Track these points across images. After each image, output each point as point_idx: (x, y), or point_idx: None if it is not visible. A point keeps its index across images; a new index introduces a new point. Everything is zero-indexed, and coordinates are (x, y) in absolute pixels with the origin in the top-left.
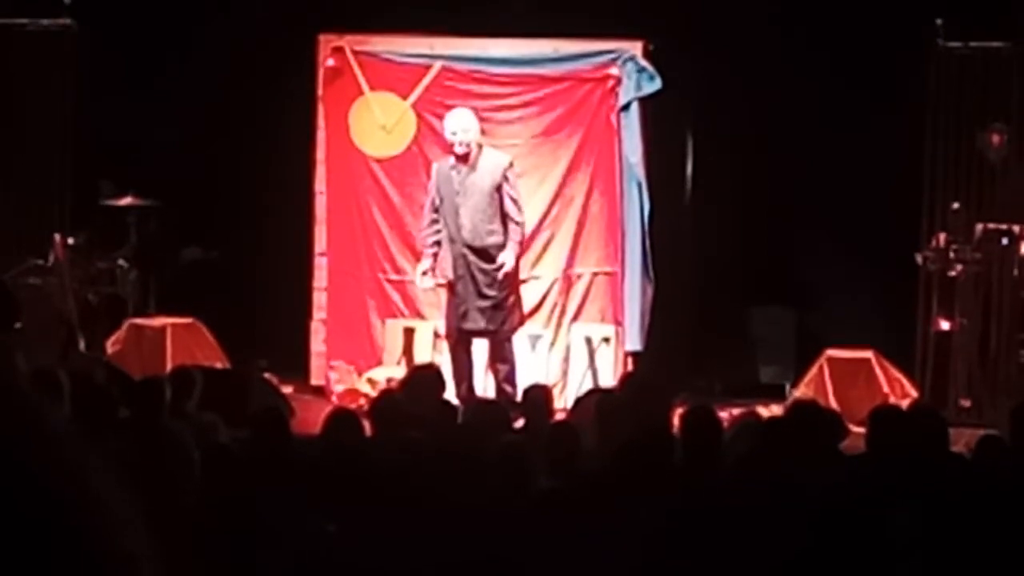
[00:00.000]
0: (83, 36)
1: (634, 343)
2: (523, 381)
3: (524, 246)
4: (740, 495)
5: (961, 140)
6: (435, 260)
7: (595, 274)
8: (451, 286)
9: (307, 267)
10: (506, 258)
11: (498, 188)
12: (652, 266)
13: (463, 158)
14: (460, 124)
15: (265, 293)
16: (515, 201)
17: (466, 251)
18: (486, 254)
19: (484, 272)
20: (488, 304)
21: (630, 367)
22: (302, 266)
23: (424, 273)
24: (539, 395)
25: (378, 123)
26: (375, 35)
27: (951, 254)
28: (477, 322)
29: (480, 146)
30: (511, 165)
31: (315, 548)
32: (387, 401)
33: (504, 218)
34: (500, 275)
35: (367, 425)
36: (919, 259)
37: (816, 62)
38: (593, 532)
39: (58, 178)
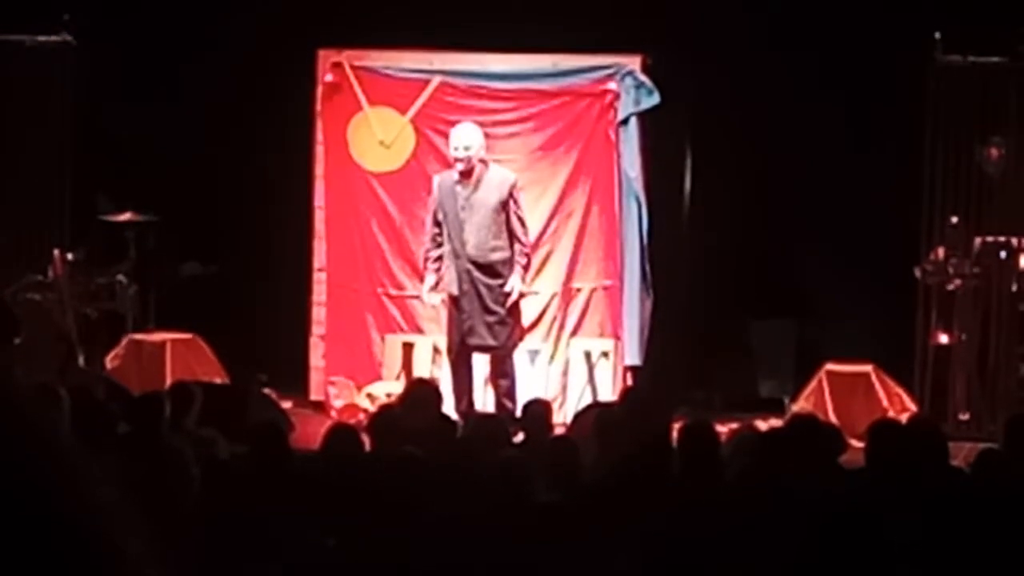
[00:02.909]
0: (81, 52)
1: (633, 357)
2: (522, 396)
3: (528, 266)
4: (739, 509)
5: (960, 154)
6: (438, 274)
7: (594, 288)
8: (454, 301)
9: (306, 282)
10: (514, 283)
11: (504, 205)
12: (651, 280)
13: (466, 174)
14: (465, 140)
15: (264, 308)
16: (521, 220)
17: (471, 267)
18: (491, 270)
19: (489, 288)
20: (494, 320)
21: (629, 381)
22: (301, 281)
23: (431, 289)
24: (539, 410)
25: (377, 138)
26: (374, 50)
27: (950, 268)
28: (484, 338)
29: (485, 162)
30: (517, 183)
31: (314, 562)
32: (386, 416)
33: (510, 235)
34: (506, 292)
35: (366, 440)
36: (918, 273)
37: (815, 76)
38: (592, 546)
39: (57, 194)
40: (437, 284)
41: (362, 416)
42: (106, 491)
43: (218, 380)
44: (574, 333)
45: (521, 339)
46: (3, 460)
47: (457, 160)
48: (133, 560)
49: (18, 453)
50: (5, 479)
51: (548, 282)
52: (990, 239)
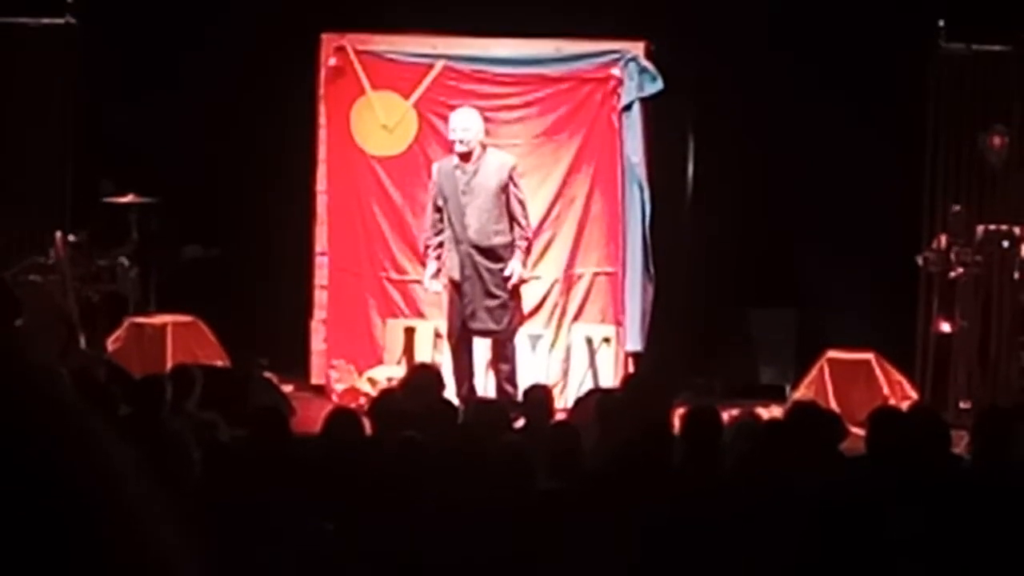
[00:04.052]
0: (85, 34)
1: (634, 343)
2: (523, 381)
3: (529, 249)
4: (739, 495)
5: (962, 142)
6: (440, 261)
7: (596, 274)
8: (456, 286)
9: (308, 266)
10: (515, 267)
11: (504, 188)
12: (653, 266)
13: (465, 157)
14: (461, 123)
15: (266, 292)
16: (521, 203)
17: (472, 251)
18: (493, 254)
19: (491, 272)
20: (496, 304)
21: (630, 367)
22: (303, 265)
23: (433, 276)
24: (540, 395)
25: (380, 122)
26: (377, 34)
27: (952, 256)
28: (485, 322)
29: (484, 146)
30: (517, 166)
31: (314, 546)
32: (387, 400)
33: (510, 219)
34: (507, 276)
35: (367, 424)
36: (920, 261)
37: (818, 64)
38: (593, 531)
39: (59, 176)
40: (438, 272)
41: (363, 400)
42: (125, 461)
43: (219, 363)
44: (575, 319)
45: (521, 323)
46: (17, 428)
47: (456, 143)
48: (152, 533)
49: (32, 421)
50: (20, 447)
51: (550, 267)
52: (992, 227)
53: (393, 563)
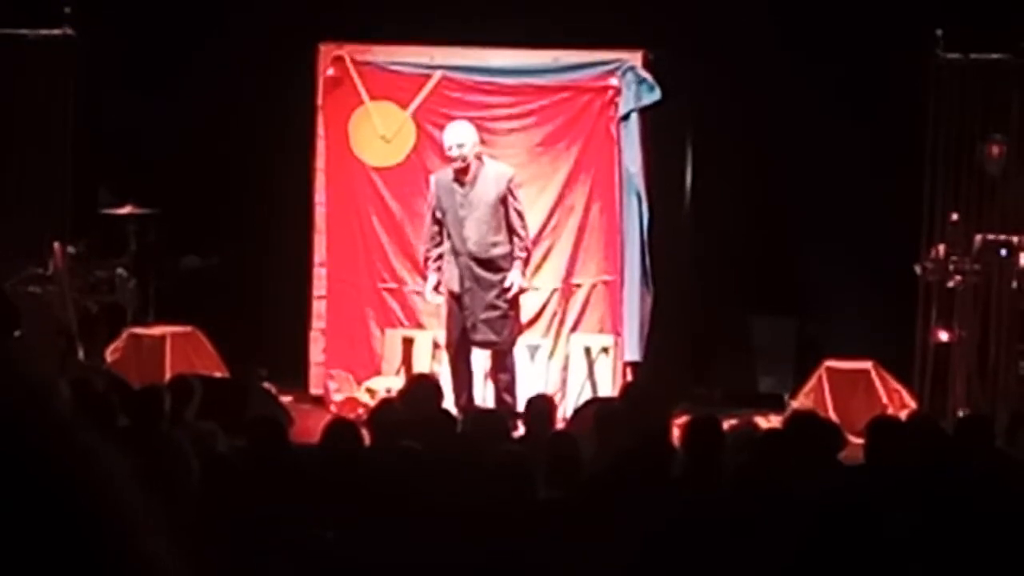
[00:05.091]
0: (83, 45)
1: (633, 353)
2: (522, 391)
3: (528, 260)
4: (738, 505)
5: (961, 151)
6: (440, 274)
7: (594, 284)
8: (455, 297)
9: (306, 276)
10: (514, 278)
11: (503, 200)
12: (651, 276)
13: (462, 171)
14: (457, 139)
15: (264, 302)
16: (520, 214)
17: (472, 263)
18: (492, 265)
19: (491, 283)
20: (496, 315)
21: (629, 377)
22: (301, 275)
23: (434, 289)
24: (543, 405)
25: (378, 133)
26: (375, 45)
27: (950, 265)
28: (486, 334)
29: (480, 158)
30: (515, 177)
31: (314, 556)
32: (386, 410)
33: (509, 230)
34: (506, 287)
35: (366, 434)
36: (918, 270)
37: (815, 73)
38: (592, 540)
39: (58, 187)
40: (439, 284)
41: (362, 410)
42: (122, 472)
43: (218, 374)
44: (574, 329)
45: (520, 333)
46: (14, 439)
47: (453, 159)
48: (149, 544)
49: (30, 433)
50: (16, 459)
51: (548, 277)
52: (991, 237)
53: (392, 572)
